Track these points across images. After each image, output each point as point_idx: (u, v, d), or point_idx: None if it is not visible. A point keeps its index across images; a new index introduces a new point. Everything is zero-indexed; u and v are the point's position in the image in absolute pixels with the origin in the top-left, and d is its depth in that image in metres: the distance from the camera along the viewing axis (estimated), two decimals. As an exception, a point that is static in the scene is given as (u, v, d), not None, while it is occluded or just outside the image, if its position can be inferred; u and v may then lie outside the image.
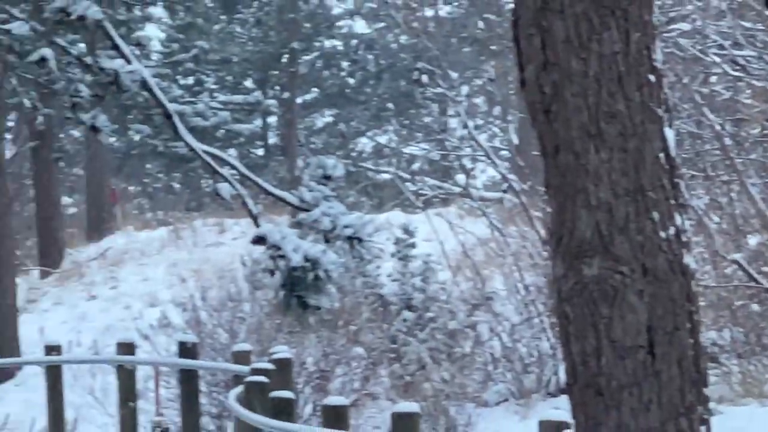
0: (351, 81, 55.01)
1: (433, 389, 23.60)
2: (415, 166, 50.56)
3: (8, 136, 40.25)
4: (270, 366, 22.15)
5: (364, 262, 27.97)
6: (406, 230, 29.73)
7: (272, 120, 51.64)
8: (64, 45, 21.91)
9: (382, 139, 55.11)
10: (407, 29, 47.99)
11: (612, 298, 10.31)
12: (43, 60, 21.65)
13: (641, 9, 10.51)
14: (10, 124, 40.47)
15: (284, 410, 20.52)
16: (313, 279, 23.95)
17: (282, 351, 23.49)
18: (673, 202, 10.47)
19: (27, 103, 25.43)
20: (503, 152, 38.47)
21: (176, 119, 21.99)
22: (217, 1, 47.15)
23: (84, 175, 50.92)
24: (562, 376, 13.78)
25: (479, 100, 49.82)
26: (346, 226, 23.77)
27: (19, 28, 21.79)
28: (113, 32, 22.17)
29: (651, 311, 10.31)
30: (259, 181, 23.05)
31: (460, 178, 38.97)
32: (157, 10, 37.85)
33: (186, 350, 26.83)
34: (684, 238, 10.53)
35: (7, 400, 32.83)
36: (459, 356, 25.53)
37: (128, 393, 27.48)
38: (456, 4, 49.38)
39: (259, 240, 23.65)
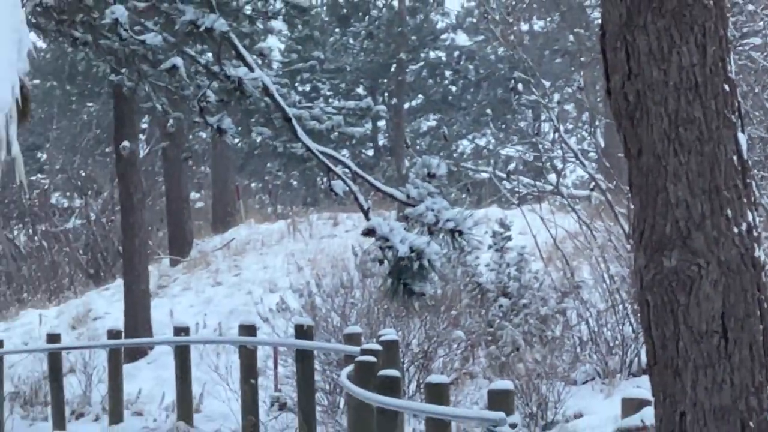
0: (453, 89, 55.08)
1: (526, 369, 23.55)
2: (511, 166, 50.46)
3: (142, 137, 40.37)
4: (378, 347, 22.17)
5: (464, 253, 27.97)
6: (503, 224, 29.69)
7: (381, 123, 51.72)
8: (193, 55, 21.97)
9: (481, 142, 55.20)
10: (504, 42, 47.77)
11: (689, 288, 10.30)
12: (174, 68, 21.71)
13: (717, 24, 10.49)
14: (144, 126, 40.57)
15: (391, 387, 20.53)
16: (418, 268, 23.95)
17: (389, 333, 23.51)
18: (745, 200, 10.44)
19: (159, 107, 25.42)
20: (591, 154, 38.27)
21: (294, 122, 22.01)
22: (332, 16, 47.28)
23: (210, 172, 51.01)
24: (643, 358, 13.71)
25: (569, 107, 49.69)
26: (448, 220, 23.79)
27: (152, 39, 21.85)
28: (238, 43, 22.20)
29: (724, 300, 10.29)
30: (370, 178, 23.05)
31: (552, 177, 38.78)
32: (278, 24, 37.88)
33: (302, 332, 26.90)
34: (755, 233, 10.49)
35: (140, 377, 32.89)
36: (550, 339, 25.49)
37: (249, 371, 27.56)
38: (548, 19, 49.22)
39: (369, 232, 23.66)
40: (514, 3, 51.81)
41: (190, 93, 23.00)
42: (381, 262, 24.79)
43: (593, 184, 31.15)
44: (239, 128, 24.53)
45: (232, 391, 28.88)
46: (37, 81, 43.46)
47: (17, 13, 4.75)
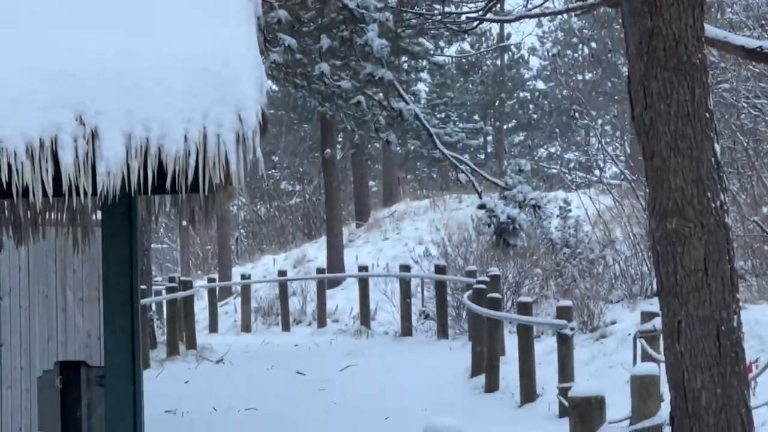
0: (534, 116, 54.91)
1: (580, 293, 23.47)
2: (571, 165, 50.59)
3: (338, 146, 40.67)
4: (487, 279, 22.18)
5: (541, 220, 27.95)
6: (565, 202, 29.68)
7: (489, 138, 51.79)
8: (370, 94, 21.97)
9: (552, 150, 55.02)
10: (567, 86, 47.73)
11: (683, 242, 10.30)
12: (358, 103, 21.73)
13: (701, 75, 10.44)
14: (339, 139, 40.81)
15: (495, 305, 20.52)
16: (512, 229, 24.15)
17: (494, 270, 23.53)
18: (718, 186, 10.43)
19: (349, 127, 25.47)
20: (621, 158, 37.99)
21: (434, 137, 22.04)
22: (458, 70, 47.11)
23: (381, 168, 50.93)
24: (655, 286, 13.75)
25: (608, 127, 49.46)
26: (531, 199, 23.94)
27: (345, 84, 21.88)
28: (399, 87, 22.22)
29: (705, 249, 10.28)
30: (482, 172, 23.15)
31: (597, 172, 38.80)
32: (424, 75, 38.11)
33: (439, 270, 26.97)
34: (725, 208, 10.47)
35: (336, 297, 32.93)
36: (595, 274, 25.40)
37: (406, 294, 27.65)
38: (595, 72, 48.96)
39: (481, 207, 23.91)
40: (573, 61, 51.72)
41: (369, 118, 22.91)
42: (489, 225, 25.02)
43: (623, 176, 31.06)
44: (400, 141, 24.48)
45: (394, 307, 28.92)
46: (272, 111, 43.71)
47: (261, 67, 4.80)
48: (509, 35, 49.40)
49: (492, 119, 51.89)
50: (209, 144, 4.63)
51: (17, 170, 4.54)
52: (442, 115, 44.62)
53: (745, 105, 24.14)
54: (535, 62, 54.51)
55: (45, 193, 4.61)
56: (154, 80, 4.68)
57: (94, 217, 6.03)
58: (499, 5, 23.24)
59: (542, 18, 34.94)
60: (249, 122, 4.67)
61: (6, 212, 5.99)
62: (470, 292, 22.40)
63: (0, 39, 4.86)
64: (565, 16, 37.19)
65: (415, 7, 22.46)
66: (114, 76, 4.69)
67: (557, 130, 52.86)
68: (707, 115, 10.65)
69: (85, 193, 4.61)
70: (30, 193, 4.59)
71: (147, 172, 4.63)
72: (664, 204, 10.57)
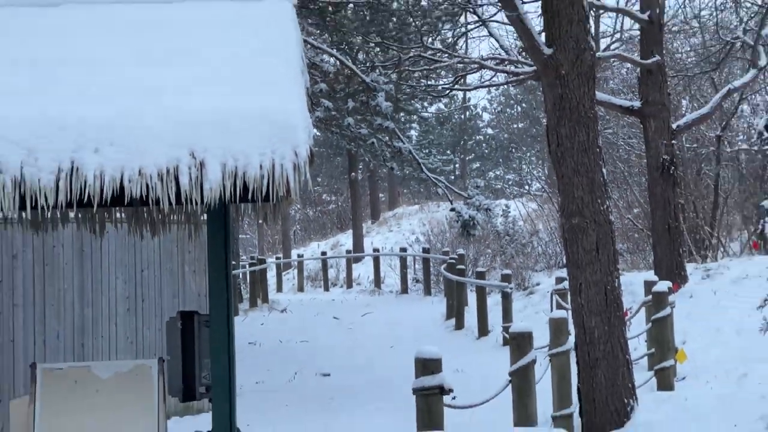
0: (486, 151, 54.35)
1: (516, 265, 23.39)
2: (510, 182, 50.29)
3: (360, 171, 40.26)
4: (456, 256, 22.10)
5: (491, 218, 27.79)
6: (506, 206, 29.61)
7: (456, 165, 51.36)
8: (380, 138, 21.88)
9: (498, 172, 54.41)
10: (506, 131, 47.77)
11: (582, 232, 10.21)
12: (372, 143, 21.60)
13: (594, 124, 10.38)
14: (360, 167, 40.54)
15: (461, 273, 20.45)
16: (472, 224, 24.08)
17: (460, 250, 23.44)
18: (605, 196, 10.35)
19: (366, 159, 25.51)
20: (542, 177, 37.96)
21: (422, 165, 21.97)
22: (436, 122, 46.55)
23: (387, 185, 50.73)
24: (564, 260, 13.70)
25: (534, 158, 49.18)
26: (484, 205, 23.87)
27: (363, 131, 21.79)
28: (398, 132, 22.13)
29: (597, 237, 10.20)
30: (452, 188, 23.07)
31: (526, 187, 38.80)
32: (415, 125, 37.90)
33: (425, 250, 26.94)
34: (609, 209, 10.39)
35: (359, 269, 32.95)
36: (526, 253, 25.33)
37: (403, 266, 27.58)
38: (525, 122, 48.57)
39: (452, 210, 23.90)
40: (510, 115, 51.56)
41: (379, 153, 22.78)
42: (457, 221, 24.92)
43: (544, 190, 31.00)
44: (399, 167, 24.43)
45: (396, 275, 28.90)
46: (316, 148, 43.53)
47: (308, 120, 4.76)
48: (469, 99, 49.39)
49: (458, 153, 51.68)
50: (276, 170, 4.60)
51: (152, 188, 4.51)
52: (426, 150, 44.42)
53: (623, 143, 24.14)
54: (486, 116, 54.43)
55: (170, 203, 4.57)
56: (240, 127, 4.65)
57: (202, 217, 5.99)
58: (462, 80, 23.17)
59: (490, 87, 34.88)
60: (301, 156, 4.64)
61: (146, 215, 5.98)
62: (445, 265, 22.43)
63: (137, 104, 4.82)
64: (505, 86, 37.15)
65: (409, 81, 22.39)
66: (214, 124, 4.67)
67: (500, 159, 52.86)
68: (597, 149, 10.61)
69: (196, 203, 4.58)
70: (160, 202, 4.55)
71: (236, 188, 4.61)
72: (570, 208, 10.52)
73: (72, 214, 5.55)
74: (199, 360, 5.16)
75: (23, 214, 4.59)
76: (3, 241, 11.37)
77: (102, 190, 4.39)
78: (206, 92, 4.65)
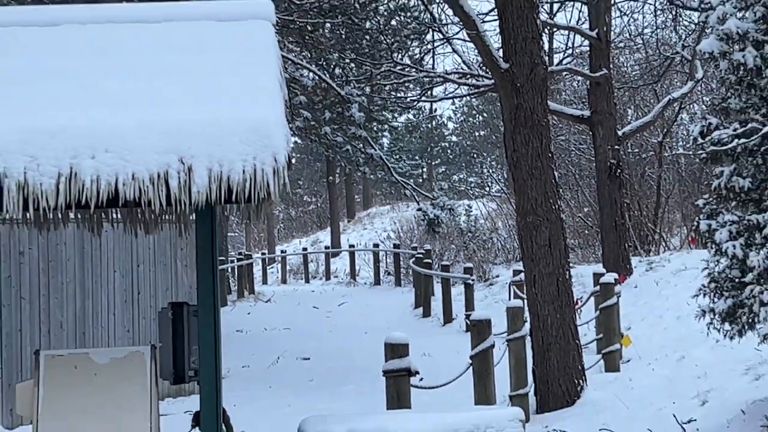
0: (451, 156, 53.73)
1: (478, 259, 23.41)
2: (472, 185, 50.09)
3: (337, 175, 40.11)
4: (423, 251, 22.09)
5: (454, 216, 27.86)
6: (468, 206, 29.64)
7: (424, 170, 51.12)
8: (354, 145, 21.89)
9: (461, 176, 53.92)
10: (469, 138, 47.77)
11: (536, 229, 10.25)
12: (347, 150, 21.63)
13: (546, 131, 10.42)
14: (337, 171, 40.37)
15: (428, 266, 20.43)
16: (437, 222, 24.16)
17: (427, 246, 23.45)
18: (556, 196, 10.40)
19: (342, 164, 25.58)
20: (501, 180, 38.06)
21: (392, 170, 21.99)
22: (405, 131, 46.00)
23: (361, 188, 50.54)
24: (520, 254, 13.61)
25: (494, 163, 49.18)
26: (448, 205, 23.93)
27: (339, 139, 21.79)
28: (370, 141, 22.14)
29: (549, 233, 10.25)
30: (420, 190, 23.14)
31: (487, 189, 38.85)
32: (386, 133, 37.64)
33: (395, 246, 26.85)
34: (560, 209, 10.43)
35: (336, 263, 32.93)
36: (487, 248, 25.34)
37: (376, 260, 27.49)
38: (486, 130, 48.31)
39: (419, 209, 23.95)
40: (473, 124, 51.54)
41: (354, 159, 22.83)
42: (423, 220, 24.96)
43: (502, 191, 31.07)
44: (372, 172, 24.46)
45: (369, 268, 28.86)
46: (297, 155, 43.38)
47: (286, 128, 4.77)
48: (435, 109, 49.23)
49: (426, 159, 51.54)
50: (257, 174, 4.61)
51: (144, 190, 4.51)
52: (397, 156, 44.33)
53: (574, 149, 24.22)
54: (450, 125, 54.36)
55: (161, 204, 4.57)
56: (224, 135, 4.66)
57: (191, 217, 5.98)
58: (429, 92, 23.21)
59: (454, 99, 34.94)
60: (280, 161, 4.66)
61: (140, 215, 5.97)
62: (413, 259, 22.41)
63: (130, 112, 4.82)
64: (467, 98, 37.22)
65: (380, 94, 22.38)
66: (200, 133, 4.68)
67: (464, 164, 52.78)
68: (550, 154, 10.66)
69: (185, 204, 4.58)
70: (152, 204, 4.55)
71: (221, 191, 4.61)
72: (525, 207, 10.56)
73: (72, 215, 5.53)
74: (188, 346, 5.16)
75: (27, 215, 4.58)
76: (11, 240, 11.33)
77: (98, 193, 4.38)
78: (193, 104, 4.66)
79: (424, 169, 51.62)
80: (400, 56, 21.52)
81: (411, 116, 43.21)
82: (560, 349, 10.20)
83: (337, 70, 21.73)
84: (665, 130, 21.21)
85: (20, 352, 11.25)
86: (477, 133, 51.15)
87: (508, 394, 9.76)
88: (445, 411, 5.18)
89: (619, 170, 17.14)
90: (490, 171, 45.54)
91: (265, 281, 32.23)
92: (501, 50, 10.58)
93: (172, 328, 5.13)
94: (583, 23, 20.20)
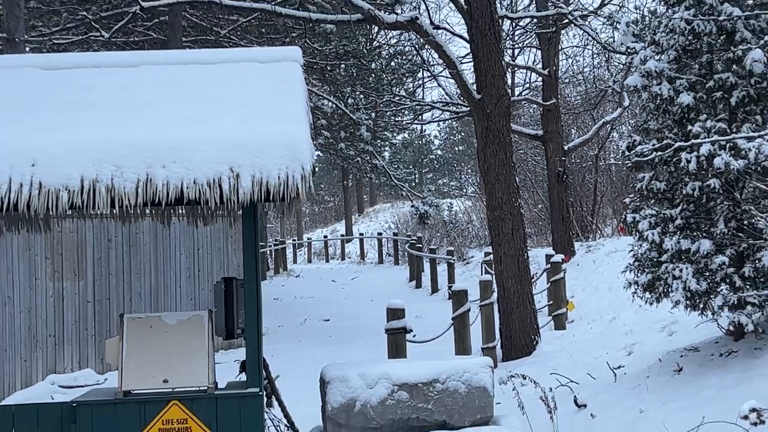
0: (437, 165, 52.38)
1: (458, 244, 23.28)
2: (453, 187, 49.34)
3: (350, 180, 39.58)
4: (416, 238, 21.99)
5: (439, 212, 27.72)
6: (451, 204, 29.52)
7: (416, 176, 50.32)
8: (363, 157, 21.74)
9: (445, 180, 52.78)
10: (451, 152, 47.20)
11: (502, 221, 10.22)
12: (357, 161, 21.44)
13: (509, 147, 10.36)
14: (350, 177, 39.94)
15: (419, 249, 20.32)
16: (426, 216, 24.04)
17: (418, 234, 23.35)
18: (517, 195, 10.33)
19: (354, 172, 25.48)
20: (475, 183, 37.92)
21: (392, 176, 21.89)
22: (402, 146, 45.45)
23: (369, 190, 49.78)
24: (490, 240, 13.59)
25: (470, 170, 48.70)
26: (435, 203, 23.79)
27: (351, 153, 21.69)
28: (375, 154, 22.04)
29: (512, 224, 10.20)
30: (414, 192, 23.02)
31: (464, 190, 38.59)
32: (388, 148, 37.30)
33: (395, 234, 26.66)
34: (521, 205, 10.36)
35: (350, 247, 32.73)
36: (465, 235, 25.14)
37: (380, 245, 27.26)
38: (464, 146, 47.66)
39: (413, 206, 23.83)
40: (453, 140, 51.18)
41: (363, 168, 22.74)
42: (416, 214, 24.84)
43: (477, 192, 30.96)
44: (377, 178, 24.39)
45: (375, 251, 28.71)
46: (319, 165, 43.18)
47: (311, 145, 4.74)
48: (425, 130, 49.00)
49: (417, 167, 51.25)
50: (289, 179, 4.58)
51: (203, 192, 4.49)
52: (395, 166, 43.98)
53: (530, 159, 24.12)
54: (437, 142, 53.95)
55: (216, 203, 4.56)
56: (264, 149, 4.63)
57: (239, 212, 5.97)
58: (420, 117, 23.18)
59: (439, 122, 34.88)
60: (306, 170, 4.63)
61: (199, 211, 5.94)
62: (408, 244, 22.34)
63: (189, 128, 4.81)
64: (449, 121, 37.22)
65: (383, 118, 22.37)
66: (246, 148, 4.65)
67: (447, 172, 52.53)
68: (512, 164, 10.59)
69: (234, 202, 4.56)
70: (209, 202, 4.53)
71: (261, 192, 4.58)
72: (493, 204, 10.51)
73: (147, 211, 5.53)
74: (236, 310, 5.15)
75: (114, 211, 4.57)
76: (101, 230, 11.35)
77: (168, 194, 4.37)
78: (240, 125, 4.65)
79: (416, 175, 51.44)
80: (397, 89, 21.54)
81: (406, 135, 43.12)
82: (520, 312, 10.19)
83: (350, 100, 21.69)
84: (600, 145, 21.14)
85: (108, 316, 11.26)
86: (457, 148, 51.00)
87: (481, 347, 9.76)
88: (432, 360, 5.18)
89: (564, 176, 17.09)
90: (467, 177, 45.35)
91: (295, 261, 32.16)
92: (474, 85, 10.55)
93: (225, 297, 5.12)
94: (538, 64, 20.15)
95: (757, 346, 6.59)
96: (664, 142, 6.80)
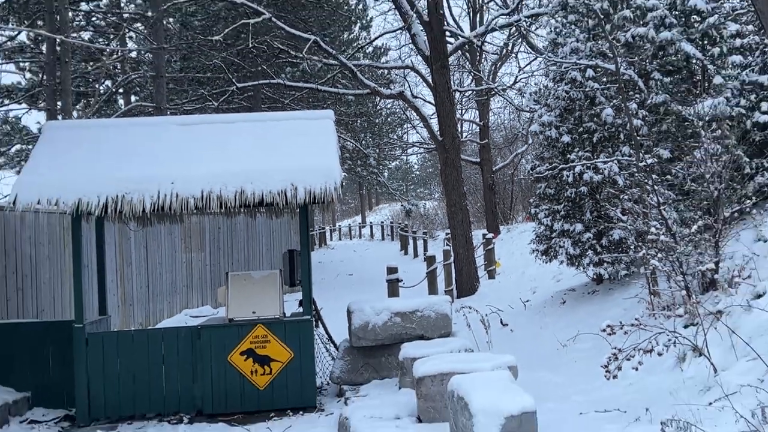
0: (417, 181, 51.24)
1: (430, 227, 22.84)
2: (429, 195, 47.62)
3: (365, 190, 38.14)
4: (404, 225, 21.65)
5: (418, 209, 27.28)
6: (425, 204, 29.03)
7: (403, 187, 47.72)
8: (371, 177, 21.49)
9: (420, 190, 49.77)
10: (425, 173, 45.55)
11: (456, 214, 10.05)
12: (368, 178, 21.14)
13: (459, 170, 10.26)
14: (365, 188, 38.83)
15: (406, 232, 20.10)
16: (410, 212, 23.63)
17: (406, 223, 23.02)
18: (465, 201, 10.14)
19: (366, 185, 25.02)
20: (438, 192, 37.20)
21: (389, 187, 21.65)
22: (396, 169, 43.85)
23: (375, 195, 49.05)
24: (448, 225, 12.95)
25: (436, 184, 47.01)
26: (415, 205, 23.48)
27: (364, 173, 21.43)
28: (379, 174, 21.74)
29: (461, 216, 9.96)
30: (403, 197, 22.71)
31: (434, 195, 37.75)
32: (387, 169, 35.37)
33: (391, 223, 26.19)
34: (467, 206, 10.19)
35: (364, 231, 32.25)
36: (434, 222, 24.70)
37: (382, 230, 26.74)
38: (434, 168, 45.29)
39: (402, 206, 23.53)
40: (429, 166, 49.79)
41: (373, 182, 22.47)
42: (404, 210, 24.55)
43: (441, 197, 30.46)
44: (382, 188, 24.24)
45: (379, 233, 28.37)
46: (344, 180, 42.22)
47: (340, 168, 4.73)
48: (408, 158, 47.71)
49: (405, 182, 50.02)
50: (327, 190, 4.58)
51: (274, 198, 4.51)
52: (391, 181, 42.95)
53: (473, 177, 23.82)
54: (416, 166, 52.49)
55: (283, 205, 4.56)
56: (311, 172, 4.63)
57: (297, 210, 5.97)
58: (405, 151, 23.01)
59: (417, 154, 34.54)
60: (337, 183, 4.63)
61: (273, 209, 5.94)
62: (399, 228, 22.11)
63: (231, 161, 4.82)
64: (423, 153, 36.85)
65: (383, 151, 22.28)
66: (299, 171, 4.66)
67: (422, 184, 51.08)
68: (461, 180, 10.38)
69: (293, 204, 4.57)
70: (279, 204, 4.54)
71: (310, 198, 4.59)
72: (450, 203, 10.31)
73: (242, 210, 5.57)
74: (296, 269, 5.20)
75: (221, 210, 4.62)
76: (214, 222, 11.41)
77: (254, 200, 4.43)
78: (296, 158, 4.69)
79: (404, 186, 50.62)
80: (392, 135, 21.52)
81: (397, 162, 42.61)
82: (467, 268, 10.16)
83: (363, 142, 21.66)
84: (514, 167, 21.13)
85: (218, 274, 11.31)
86: (428, 170, 50.25)
87: (444, 290, 9.76)
88: (414, 297, 5.24)
89: (493, 186, 17.07)
90: (434, 187, 44.26)
91: (331, 239, 31.90)
92: (438, 131, 10.52)
93: (289, 261, 5.19)
94: (476, 118, 20.14)
95: (611, 287, 6.68)
96: (553, 165, 6.85)
